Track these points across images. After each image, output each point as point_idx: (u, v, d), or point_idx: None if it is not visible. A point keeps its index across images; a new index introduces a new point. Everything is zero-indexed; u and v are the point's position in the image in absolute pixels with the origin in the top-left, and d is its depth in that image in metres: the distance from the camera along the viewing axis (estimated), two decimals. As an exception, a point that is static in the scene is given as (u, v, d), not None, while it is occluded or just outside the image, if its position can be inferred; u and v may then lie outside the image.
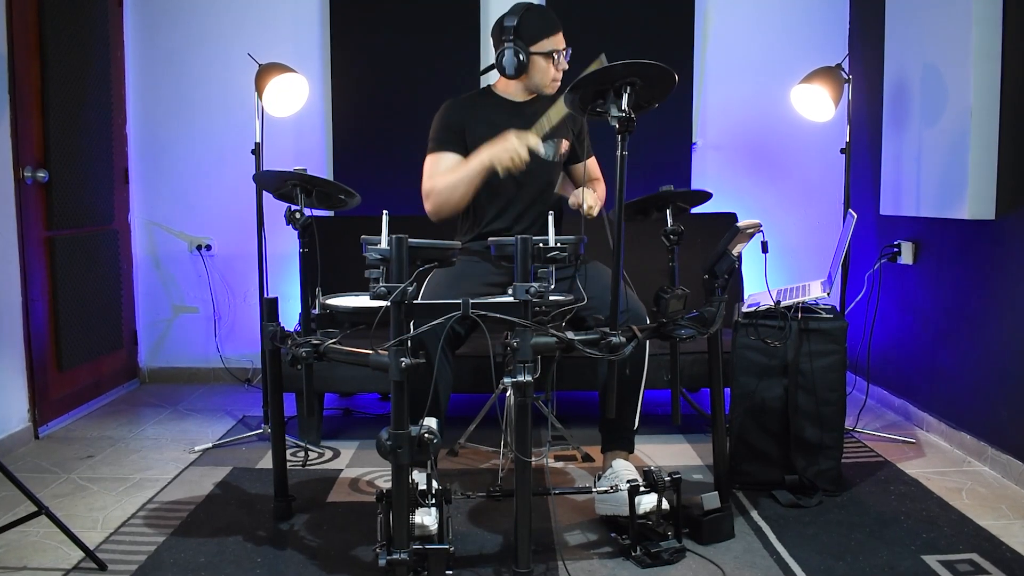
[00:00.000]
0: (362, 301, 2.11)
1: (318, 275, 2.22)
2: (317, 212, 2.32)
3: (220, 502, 2.50)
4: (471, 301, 1.87)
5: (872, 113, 3.58)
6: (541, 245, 1.91)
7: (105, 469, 2.81)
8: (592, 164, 2.82)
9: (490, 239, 2.08)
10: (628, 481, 2.14)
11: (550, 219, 1.99)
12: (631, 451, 2.47)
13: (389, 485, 1.81)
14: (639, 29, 3.83)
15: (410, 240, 1.80)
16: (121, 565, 2.06)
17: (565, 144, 2.67)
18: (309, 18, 3.90)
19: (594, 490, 2.28)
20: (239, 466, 2.83)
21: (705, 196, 2.33)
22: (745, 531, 2.27)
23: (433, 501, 1.96)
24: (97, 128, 3.60)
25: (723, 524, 2.22)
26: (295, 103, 3.20)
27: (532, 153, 2.42)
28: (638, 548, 2.08)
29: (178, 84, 3.93)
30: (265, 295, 2.88)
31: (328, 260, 2.36)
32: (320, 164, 3.94)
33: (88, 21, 3.51)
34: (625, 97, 1.89)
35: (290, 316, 3.42)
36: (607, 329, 1.98)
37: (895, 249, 3.38)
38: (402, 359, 1.73)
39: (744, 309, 2.59)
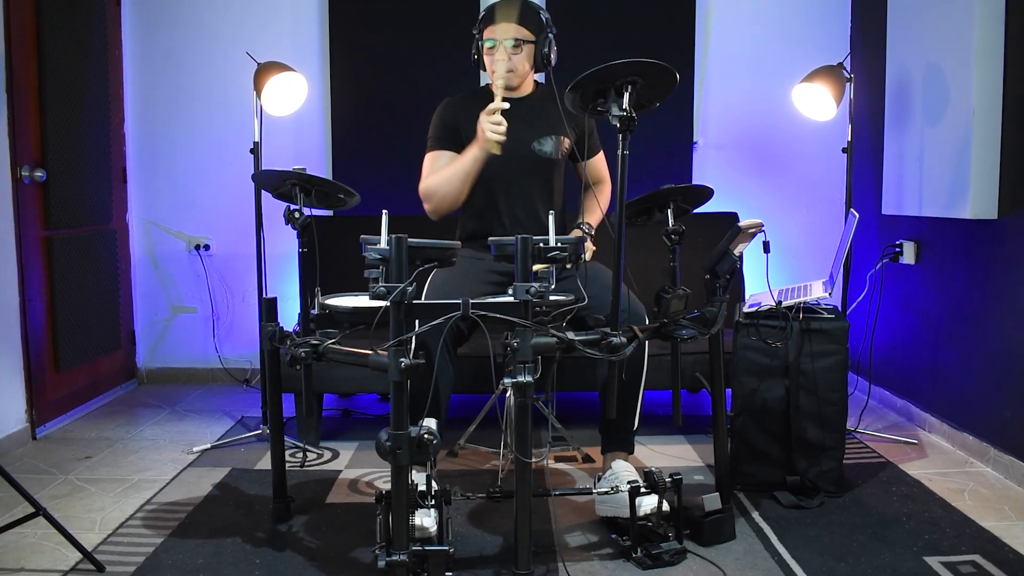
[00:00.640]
0: (361, 301, 2.10)
1: (317, 275, 2.21)
2: (316, 212, 2.31)
3: (219, 503, 2.50)
4: (471, 301, 1.86)
5: (874, 112, 3.57)
6: (541, 245, 1.90)
7: (103, 470, 2.80)
8: (600, 165, 2.82)
9: (490, 239, 2.07)
10: (628, 482, 2.13)
11: (551, 219, 1.98)
12: (631, 452, 2.47)
13: (388, 486, 1.80)
14: (639, 29, 3.82)
15: (410, 240, 1.79)
16: (119, 566, 2.05)
17: (566, 142, 2.65)
18: (308, 17, 3.89)
19: (594, 491, 2.27)
20: (238, 467, 2.82)
21: (707, 192, 2.32)
22: (746, 532, 2.26)
23: (433, 502, 1.95)
24: (95, 127, 3.58)
25: (724, 525, 2.21)
26: (294, 102, 3.19)
27: (531, 150, 2.41)
28: (639, 549, 2.07)
29: (176, 83, 3.91)
30: (264, 295, 2.86)
31: (327, 260, 2.35)
32: (319, 163, 3.93)
33: (86, 20, 3.50)
34: (626, 96, 1.89)
35: (289, 316, 3.41)
36: (607, 329, 1.97)
37: (897, 249, 3.37)
38: (401, 359, 1.73)
39: (745, 309, 2.58)
